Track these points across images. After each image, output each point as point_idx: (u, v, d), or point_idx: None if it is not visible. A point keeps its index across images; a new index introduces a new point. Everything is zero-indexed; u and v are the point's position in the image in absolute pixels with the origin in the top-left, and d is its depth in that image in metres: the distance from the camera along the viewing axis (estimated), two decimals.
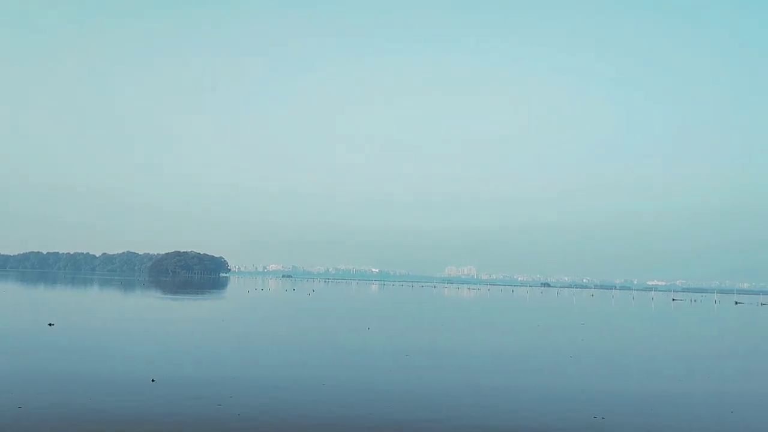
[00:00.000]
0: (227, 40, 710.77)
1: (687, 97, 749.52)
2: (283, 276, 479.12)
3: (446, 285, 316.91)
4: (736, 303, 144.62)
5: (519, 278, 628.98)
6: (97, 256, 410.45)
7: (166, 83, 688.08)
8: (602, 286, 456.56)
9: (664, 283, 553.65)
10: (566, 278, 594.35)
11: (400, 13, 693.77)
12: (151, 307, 55.05)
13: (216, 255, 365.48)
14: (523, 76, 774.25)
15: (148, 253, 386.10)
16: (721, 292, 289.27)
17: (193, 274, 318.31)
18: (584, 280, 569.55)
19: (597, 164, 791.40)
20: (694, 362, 28.38)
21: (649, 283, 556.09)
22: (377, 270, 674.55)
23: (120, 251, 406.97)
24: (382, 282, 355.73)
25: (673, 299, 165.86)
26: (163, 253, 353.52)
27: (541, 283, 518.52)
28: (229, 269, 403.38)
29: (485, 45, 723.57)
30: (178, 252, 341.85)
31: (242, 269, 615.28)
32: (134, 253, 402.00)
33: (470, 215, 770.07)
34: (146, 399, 15.18)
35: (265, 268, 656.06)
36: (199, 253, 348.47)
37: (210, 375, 18.95)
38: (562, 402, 16.70)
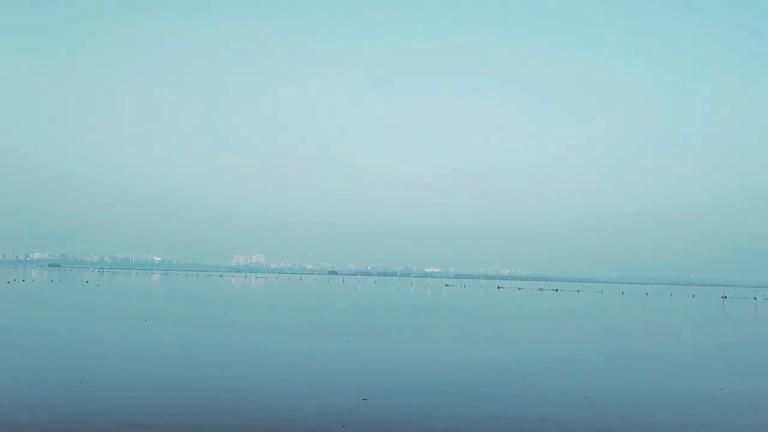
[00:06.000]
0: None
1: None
2: (49, 265, 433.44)
3: (233, 274, 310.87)
4: (498, 288, 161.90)
5: (307, 267, 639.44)
6: None
7: None
8: (385, 274, 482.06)
9: (439, 270, 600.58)
10: (352, 266, 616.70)
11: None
12: None
13: None
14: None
15: None
16: (486, 278, 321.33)
17: None
18: (368, 268, 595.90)
19: (371, 161, 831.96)
20: (463, 345, 30.92)
21: (427, 270, 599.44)
22: (160, 259, 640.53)
23: None
24: (165, 271, 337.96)
25: (446, 285, 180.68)
26: None
27: (329, 271, 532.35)
28: None
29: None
30: None
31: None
32: None
33: (261, 204, 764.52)
34: None
35: (27, 256, 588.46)
36: None
37: None
38: (334, 386, 17.14)
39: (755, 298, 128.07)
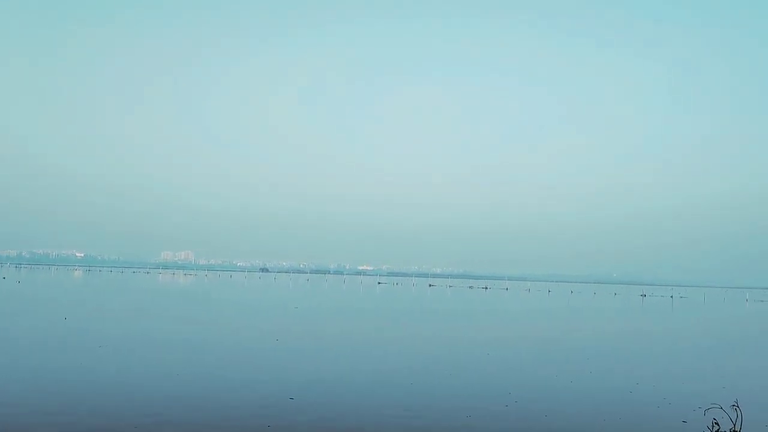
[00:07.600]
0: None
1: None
2: None
3: (161, 271, 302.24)
4: (430, 285, 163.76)
5: (238, 264, 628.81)
6: None
7: None
8: (318, 271, 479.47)
9: (372, 268, 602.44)
10: (284, 263, 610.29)
11: None
12: None
13: None
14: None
15: None
16: (419, 276, 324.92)
17: None
18: (301, 265, 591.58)
19: (307, 157, 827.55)
20: (392, 343, 31.02)
21: (360, 267, 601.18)
22: (82, 254, 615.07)
23: None
24: (88, 268, 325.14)
25: (379, 282, 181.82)
26: None
27: (260, 269, 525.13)
28: None
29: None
30: None
31: None
32: None
33: (190, 198, 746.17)
34: None
35: None
36: None
37: None
38: (261, 385, 16.85)
39: (672, 297, 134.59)
